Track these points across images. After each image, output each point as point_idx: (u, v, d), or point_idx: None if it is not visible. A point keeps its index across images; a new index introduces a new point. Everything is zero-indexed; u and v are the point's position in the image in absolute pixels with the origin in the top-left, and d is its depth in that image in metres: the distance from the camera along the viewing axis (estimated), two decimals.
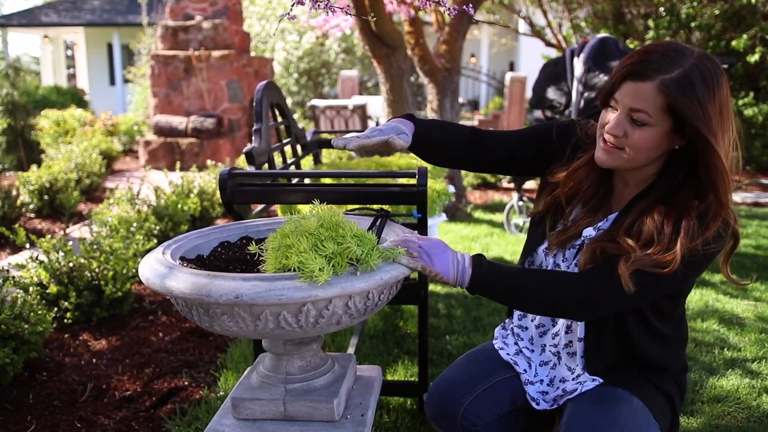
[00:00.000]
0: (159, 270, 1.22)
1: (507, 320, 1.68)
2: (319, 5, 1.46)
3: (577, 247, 1.42)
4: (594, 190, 1.42)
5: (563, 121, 1.53)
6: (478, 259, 1.30)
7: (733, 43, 7.43)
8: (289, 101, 14.27)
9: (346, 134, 1.42)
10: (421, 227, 1.78)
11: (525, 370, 1.52)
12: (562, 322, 1.48)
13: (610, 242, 1.30)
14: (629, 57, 1.27)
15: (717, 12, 7.71)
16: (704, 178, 1.23)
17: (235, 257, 1.44)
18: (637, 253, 1.24)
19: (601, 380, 1.41)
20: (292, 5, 1.47)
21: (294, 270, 1.15)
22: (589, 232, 1.39)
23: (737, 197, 6.65)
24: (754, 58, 7.36)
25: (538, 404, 1.49)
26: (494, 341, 1.63)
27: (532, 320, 1.57)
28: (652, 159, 1.30)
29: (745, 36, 7.36)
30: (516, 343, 1.59)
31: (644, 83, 1.21)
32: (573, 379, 1.45)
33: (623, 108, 1.26)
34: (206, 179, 5.06)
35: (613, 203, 1.42)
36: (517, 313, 1.61)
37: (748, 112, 7.62)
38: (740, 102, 7.77)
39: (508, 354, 1.56)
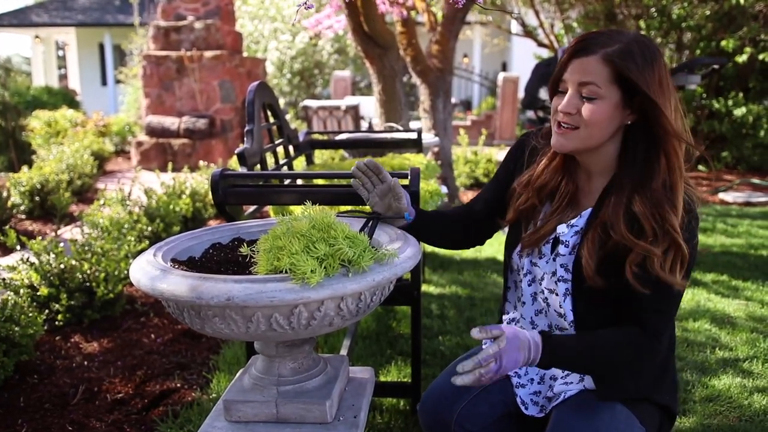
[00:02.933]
0: (150, 272, 1.22)
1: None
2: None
3: (551, 242, 1.42)
4: (558, 186, 1.44)
5: (521, 138, 1.59)
6: (548, 348, 1.27)
7: (722, 43, 7.47)
8: (281, 102, 14.25)
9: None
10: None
11: (516, 373, 1.52)
12: (545, 323, 1.48)
13: (600, 246, 1.31)
14: (572, 42, 1.33)
15: (708, 13, 7.75)
16: (658, 144, 1.28)
17: (227, 259, 1.43)
18: (658, 252, 1.25)
19: (585, 385, 1.41)
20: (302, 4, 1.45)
21: (286, 272, 1.14)
22: (562, 229, 1.39)
23: (729, 197, 6.69)
24: (742, 58, 7.40)
25: (527, 408, 1.49)
26: (483, 345, 1.63)
27: (516, 324, 1.56)
28: (607, 135, 1.32)
29: (733, 38, 7.39)
30: None
31: (588, 57, 1.28)
32: (561, 377, 1.45)
33: (573, 85, 1.31)
34: (198, 180, 5.05)
35: (580, 197, 1.43)
36: (506, 319, 1.61)
37: (738, 112, 7.66)
38: (730, 102, 7.81)
39: None
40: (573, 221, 1.40)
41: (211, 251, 1.47)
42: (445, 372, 1.59)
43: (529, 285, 1.48)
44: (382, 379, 2.54)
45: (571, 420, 1.34)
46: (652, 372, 1.40)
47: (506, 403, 1.52)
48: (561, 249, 1.39)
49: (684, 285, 1.28)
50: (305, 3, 1.43)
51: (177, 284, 1.14)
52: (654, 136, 1.28)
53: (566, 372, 1.45)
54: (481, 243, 1.68)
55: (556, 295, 1.41)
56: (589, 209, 1.39)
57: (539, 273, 1.44)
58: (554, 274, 1.41)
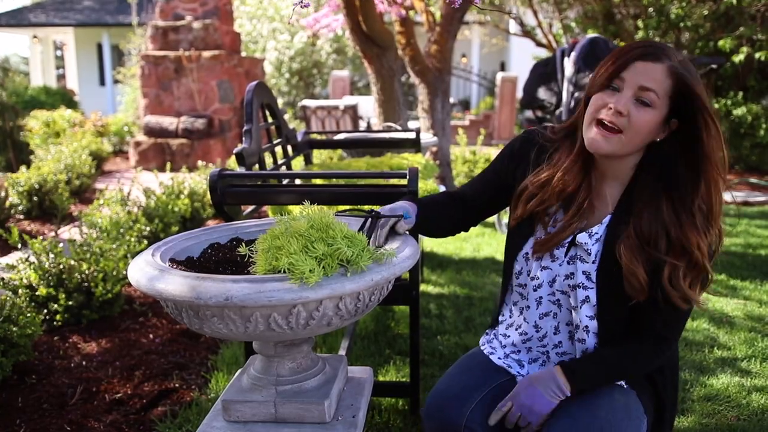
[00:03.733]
0: (148, 272, 1.22)
1: (489, 329, 1.68)
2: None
3: (566, 245, 1.41)
4: (577, 190, 1.41)
5: (522, 135, 1.56)
6: (570, 374, 1.38)
7: (720, 43, 7.48)
8: (280, 101, 14.25)
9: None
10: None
11: (518, 372, 1.52)
12: (551, 325, 1.48)
13: (638, 253, 1.32)
14: (634, 44, 1.32)
15: (705, 12, 7.76)
16: (699, 165, 1.28)
17: (225, 259, 1.43)
18: (683, 268, 1.29)
19: None
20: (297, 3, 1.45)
21: (284, 271, 1.14)
22: (584, 238, 1.38)
23: (727, 196, 6.68)
24: (738, 57, 7.41)
25: None
26: (482, 347, 1.62)
27: (516, 329, 1.56)
28: (642, 145, 1.33)
29: (730, 38, 7.40)
30: (504, 346, 1.59)
31: (656, 64, 1.27)
32: None
33: (632, 86, 1.28)
34: (197, 180, 5.04)
35: (594, 202, 1.41)
36: (504, 322, 1.61)
37: (737, 111, 7.67)
38: (729, 102, 7.82)
39: (499, 358, 1.56)
40: (593, 229, 1.39)
41: (209, 251, 1.47)
42: (445, 376, 1.57)
43: (535, 290, 1.47)
44: (381, 378, 2.54)
45: (570, 407, 1.35)
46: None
47: None
48: (582, 255, 1.39)
49: (699, 303, 1.33)
50: (301, 2, 1.43)
51: (175, 284, 1.14)
52: (696, 158, 1.29)
53: None
54: (466, 230, 1.64)
55: (569, 298, 1.41)
56: (608, 216, 1.39)
57: (550, 276, 1.44)
58: (568, 277, 1.41)
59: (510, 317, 1.59)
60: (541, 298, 1.46)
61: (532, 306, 1.48)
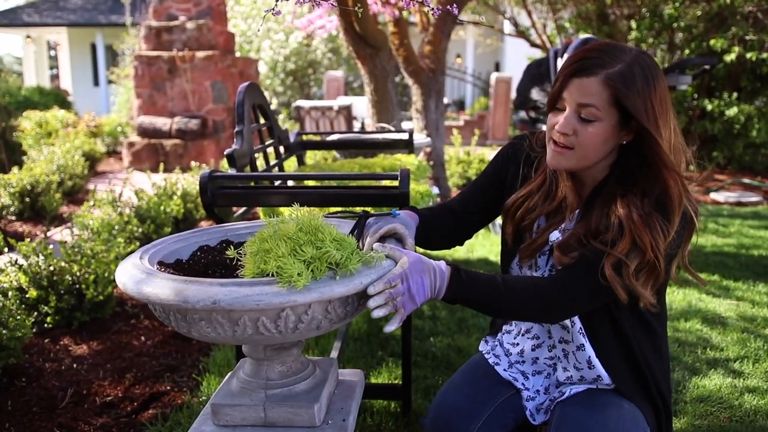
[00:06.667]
0: (136, 275, 1.20)
1: (489, 336, 1.67)
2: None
3: (546, 253, 1.42)
4: (552, 203, 1.43)
5: (514, 140, 1.56)
6: (456, 273, 1.27)
7: (711, 42, 7.50)
8: (275, 102, 14.22)
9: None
10: None
11: (524, 385, 1.52)
12: (556, 334, 1.47)
13: (579, 241, 1.30)
14: (572, 57, 1.30)
15: (699, 13, 7.77)
16: (653, 167, 1.27)
17: (214, 261, 1.42)
18: (615, 251, 1.25)
19: (592, 386, 1.42)
20: (276, 3, 1.44)
21: (273, 275, 1.13)
22: (555, 235, 1.39)
23: (720, 197, 6.71)
24: (730, 57, 7.43)
25: (534, 419, 1.49)
26: (486, 355, 1.61)
27: (524, 335, 1.55)
28: (602, 156, 1.32)
29: (724, 38, 7.42)
30: (507, 355, 1.58)
31: (589, 78, 1.25)
32: (568, 384, 1.45)
33: (572, 105, 1.28)
34: (190, 181, 5.02)
35: (574, 204, 1.42)
36: (512, 332, 1.60)
37: (730, 112, 7.68)
38: (722, 102, 7.84)
39: (504, 370, 1.55)
40: (564, 225, 1.40)
41: (198, 254, 1.46)
42: (451, 387, 1.55)
43: None
44: (373, 380, 2.53)
45: (578, 415, 1.34)
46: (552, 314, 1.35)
47: (516, 419, 1.51)
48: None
49: (652, 302, 1.28)
50: (273, 9, 1.42)
51: (162, 288, 1.13)
52: (649, 161, 1.27)
53: (573, 380, 1.45)
54: (461, 243, 1.64)
55: None
56: (577, 211, 1.39)
57: None
58: None
59: (507, 324, 1.59)
60: None
61: None
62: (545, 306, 1.30)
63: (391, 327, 1.20)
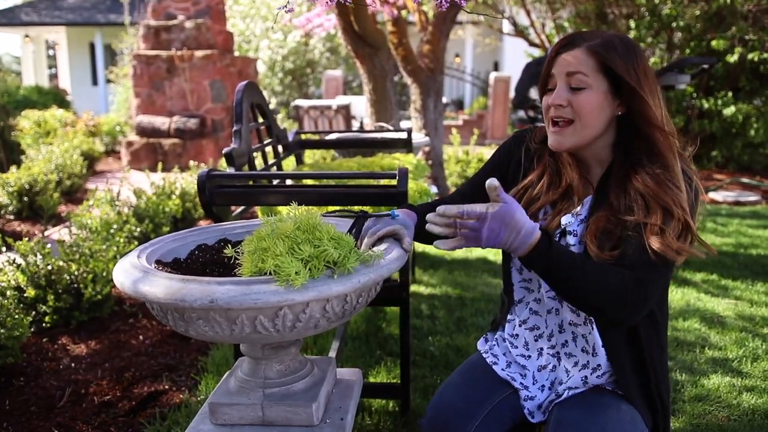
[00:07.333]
0: (133, 274, 1.20)
1: (489, 333, 1.66)
2: None
3: (557, 236, 1.41)
4: (557, 191, 1.43)
5: (515, 134, 1.58)
6: (542, 243, 1.24)
7: (713, 43, 7.50)
8: (273, 101, 14.21)
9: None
10: None
11: (522, 384, 1.51)
12: (553, 323, 1.47)
13: (609, 222, 1.30)
14: (557, 42, 1.38)
15: (698, 12, 7.77)
16: (648, 138, 1.31)
17: (212, 260, 1.42)
18: (651, 222, 1.25)
19: (590, 384, 1.41)
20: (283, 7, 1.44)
21: (270, 273, 1.13)
22: (567, 218, 1.39)
23: (719, 196, 6.71)
24: (733, 58, 7.43)
25: (533, 417, 1.48)
26: (484, 354, 1.60)
27: (521, 325, 1.55)
28: (601, 126, 1.34)
29: (724, 38, 7.42)
30: (506, 354, 1.57)
31: (574, 50, 1.32)
32: (566, 383, 1.45)
33: (561, 78, 1.34)
34: (188, 180, 5.02)
35: (581, 189, 1.42)
36: (513, 322, 1.59)
37: (728, 111, 7.69)
38: (720, 102, 7.84)
39: (502, 369, 1.54)
40: (577, 209, 1.40)
41: (196, 252, 1.46)
42: (448, 386, 1.54)
43: (529, 291, 1.48)
44: (372, 380, 2.53)
45: (577, 417, 1.33)
46: (633, 313, 1.30)
47: (514, 419, 1.50)
48: (569, 239, 1.38)
49: (691, 252, 1.28)
50: (287, 6, 1.42)
51: (159, 286, 1.13)
52: (639, 126, 1.31)
53: (570, 376, 1.44)
54: None
55: None
56: (590, 196, 1.39)
57: None
58: None
59: (518, 315, 1.58)
60: (529, 289, 1.48)
61: (542, 300, 1.48)
62: (624, 296, 1.24)
63: (443, 246, 1.24)
